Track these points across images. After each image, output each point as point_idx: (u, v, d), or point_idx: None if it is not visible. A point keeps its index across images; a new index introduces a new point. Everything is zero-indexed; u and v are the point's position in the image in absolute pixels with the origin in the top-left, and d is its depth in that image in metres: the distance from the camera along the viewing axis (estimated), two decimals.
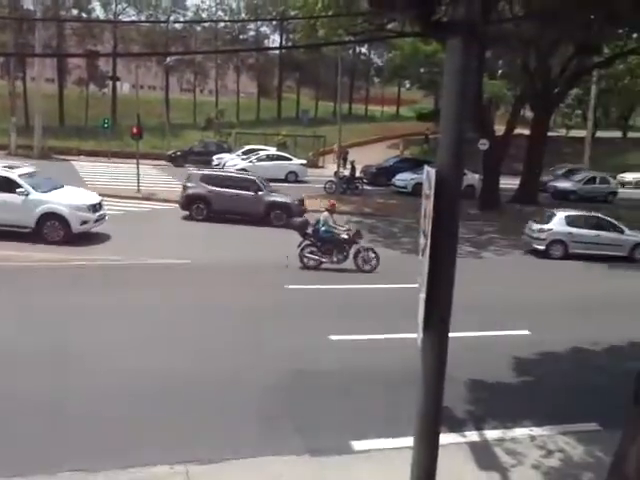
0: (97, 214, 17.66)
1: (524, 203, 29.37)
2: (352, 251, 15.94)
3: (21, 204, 16.53)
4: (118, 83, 58.42)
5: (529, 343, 11.01)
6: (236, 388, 8.53)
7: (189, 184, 22.09)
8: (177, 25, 65.57)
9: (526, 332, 11.63)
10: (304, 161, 37.43)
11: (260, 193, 21.75)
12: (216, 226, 20.84)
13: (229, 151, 41.06)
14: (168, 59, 52.02)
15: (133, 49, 59.08)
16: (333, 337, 10.64)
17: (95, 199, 18.15)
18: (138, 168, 26.81)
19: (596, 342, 11.16)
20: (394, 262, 16.60)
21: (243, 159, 36.09)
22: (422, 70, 49.03)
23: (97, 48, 57.61)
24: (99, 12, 61.85)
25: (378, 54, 75.95)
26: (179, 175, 34.63)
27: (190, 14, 68.30)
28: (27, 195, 16.60)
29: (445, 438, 7.19)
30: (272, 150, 39.01)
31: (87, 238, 17.36)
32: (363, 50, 75.66)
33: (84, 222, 17.12)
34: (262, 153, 36.74)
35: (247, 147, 40.24)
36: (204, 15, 68.79)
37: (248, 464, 6.77)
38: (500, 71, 49.80)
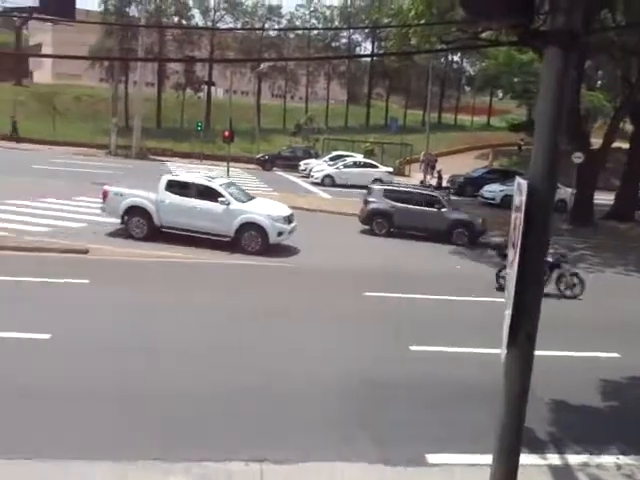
0: (290, 226, 17.71)
1: (620, 220, 28.04)
2: (554, 275, 15.00)
3: (222, 213, 16.82)
4: (213, 88, 60.44)
5: (619, 366, 10.49)
6: (310, 394, 8.60)
7: (371, 199, 21.89)
8: (271, 32, 67.11)
9: (616, 355, 11.09)
10: (390, 169, 37.34)
11: (443, 210, 21.30)
12: (399, 242, 20.87)
13: (316, 157, 41.60)
14: (261, 66, 53.33)
15: (229, 55, 61.00)
16: (414, 347, 10.54)
17: (287, 211, 18.21)
18: (228, 170, 27.64)
19: None
20: (479, 275, 16.27)
21: (330, 165, 36.44)
22: (516, 79, 47.75)
23: (195, 54, 59.83)
24: (198, 19, 64.23)
25: (470, 62, 74.73)
26: (266, 178, 35.50)
27: (284, 22, 69.82)
28: (228, 205, 16.87)
29: (525, 459, 6.96)
30: (359, 157, 39.17)
31: (279, 249, 17.56)
32: (455, 58, 74.72)
33: (280, 233, 17.24)
34: (349, 160, 36.97)
35: (334, 153, 40.61)
36: (298, 23, 70.13)
37: (321, 468, 6.80)
38: (599, 82, 47.77)
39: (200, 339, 10.19)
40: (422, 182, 30.90)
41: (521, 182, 3.42)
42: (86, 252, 15.35)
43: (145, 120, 45.96)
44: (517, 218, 3.41)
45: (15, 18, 58.29)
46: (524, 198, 3.28)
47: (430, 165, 43.88)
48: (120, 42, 53.02)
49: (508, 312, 3.43)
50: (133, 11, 55.68)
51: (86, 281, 12.82)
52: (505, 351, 3.53)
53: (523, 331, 3.41)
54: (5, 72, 73.00)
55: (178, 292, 12.78)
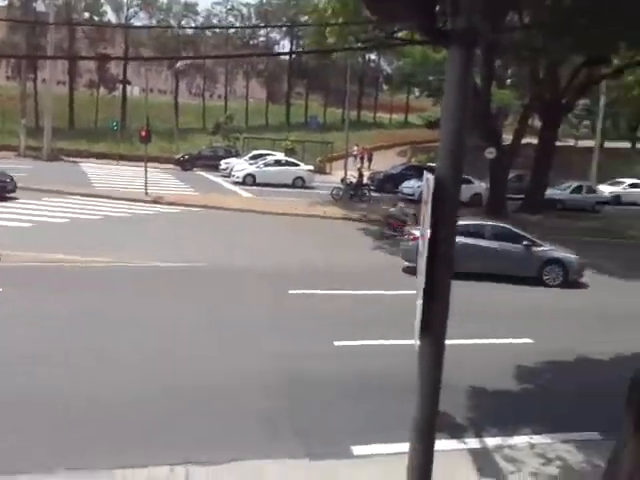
0: None
1: (530, 212, 29.29)
2: None
3: None
4: (128, 86, 58.75)
5: (532, 351, 11.00)
6: (237, 391, 8.58)
7: None
8: (188, 30, 66.01)
9: (529, 340, 11.62)
10: (311, 167, 37.53)
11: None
12: None
13: (237, 156, 41.30)
14: (178, 63, 52.45)
15: (144, 53, 59.56)
16: (337, 343, 10.67)
17: None
18: (146, 171, 26.96)
19: (601, 352, 11.13)
20: (400, 269, 16.63)
21: (251, 164, 36.26)
22: (431, 78, 49.08)
23: (108, 51, 58.06)
24: (110, 16, 62.27)
25: (387, 61, 76.07)
26: (186, 179, 34.89)
27: (201, 19, 68.82)
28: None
29: (445, 444, 7.27)
30: (280, 155, 39.16)
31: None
32: (372, 57, 75.88)
33: None
34: (270, 158, 36.87)
35: (255, 152, 40.41)
36: (215, 20, 69.32)
37: (247, 467, 6.80)
38: (509, 80, 49.77)
39: (124, 342, 9.96)
40: (343, 179, 31.15)
41: (429, 177, 3.55)
42: None
43: (57, 120, 44.18)
44: (426, 211, 3.53)
45: None
46: (431, 192, 3.40)
47: (368, 158, 45.25)
48: (27, 38, 50.66)
49: (419, 302, 3.55)
50: (40, 6, 53.33)
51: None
52: (418, 340, 3.65)
53: (434, 319, 3.54)
54: None
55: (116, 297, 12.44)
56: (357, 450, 7.31)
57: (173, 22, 64.56)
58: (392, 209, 22.62)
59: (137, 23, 61.83)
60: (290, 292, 13.74)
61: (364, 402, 8.49)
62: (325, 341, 10.67)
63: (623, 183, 39.68)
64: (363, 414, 8.15)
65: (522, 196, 31.27)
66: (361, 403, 8.46)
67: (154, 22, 63.18)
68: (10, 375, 8.35)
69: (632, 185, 39.51)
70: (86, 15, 59.14)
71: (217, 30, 68.91)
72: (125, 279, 14.32)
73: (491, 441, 7.76)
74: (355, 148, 46.57)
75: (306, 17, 32.76)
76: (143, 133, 26.98)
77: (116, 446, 6.99)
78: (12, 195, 23.53)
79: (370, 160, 46.16)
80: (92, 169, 35.85)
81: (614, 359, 10.84)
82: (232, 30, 69.20)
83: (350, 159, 37.60)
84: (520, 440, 7.83)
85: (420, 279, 3.54)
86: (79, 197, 25.32)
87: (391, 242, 20.93)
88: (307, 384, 8.92)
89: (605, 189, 37.42)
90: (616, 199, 36.77)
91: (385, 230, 21.88)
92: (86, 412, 7.68)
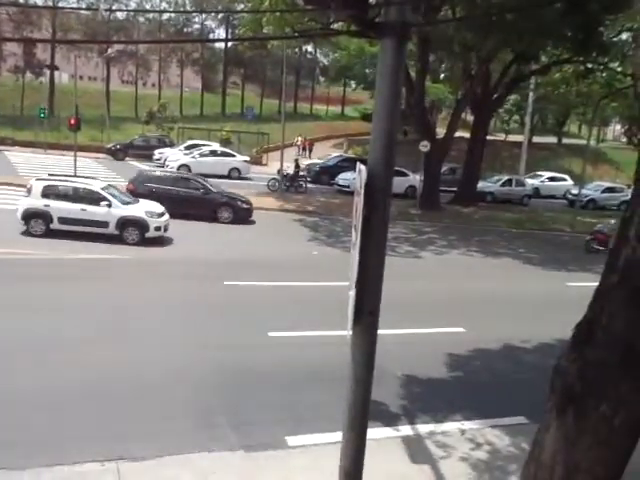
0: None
1: (463, 204, 30.06)
2: None
3: None
4: (56, 72, 56.55)
5: (463, 340, 11.30)
6: (171, 384, 8.45)
7: None
8: (119, 15, 64.04)
9: (461, 329, 11.93)
10: (247, 158, 37.21)
11: None
12: None
13: (171, 146, 40.51)
14: (109, 50, 50.85)
15: (73, 38, 57.46)
16: (272, 334, 10.66)
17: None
18: (75, 160, 26.09)
19: (527, 340, 11.54)
20: (335, 260, 16.73)
21: (185, 154, 35.61)
22: (367, 70, 49.49)
23: (35, 35, 55.73)
24: None
25: (324, 53, 76.18)
26: (118, 169, 33.95)
27: (133, 4, 66.86)
28: None
29: (379, 432, 7.41)
30: (215, 146, 38.64)
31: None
32: (309, 49, 75.82)
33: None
34: (205, 149, 36.30)
35: (190, 142, 39.73)
36: (148, 6, 67.53)
37: (181, 460, 6.72)
38: (443, 74, 50.78)
39: (60, 333, 9.63)
40: (279, 171, 30.99)
41: (361, 167, 3.57)
42: None
43: None
44: (358, 202, 3.55)
45: None
46: (364, 182, 3.42)
47: (309, 148, 45.92)
48: None
49: (352, 292, 3.57)
50: None
51: None
52: (351, 330, 3.68)
53: (366, 309, 3.57)
54: None
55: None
56: (291, 441, 7.34)
57: (104, 6, 62.44)
58: (599, 225, 23.87)
59: (65, 6, 59.37)
60: (226, 283, 13.64)
61: (298, 392, 8.52)
62: (260, 332, 10.64)
63: (542, 176, 41.32)
64: (297, 404, 8.18)
65: (455, 188, 32.08)
66: (295, 393, 8.49)
67: (83, 6, 60.98)
68: None
69: (550, 178, 41.22)
70: None
71: (150, 16, 67.20)
72: (44, 271, 13.84)
73: (423, 428, 7.94)
74: (299, 139, 47.10)
75: (242, 6, 32.35)
76: (72, 121, 26.04)
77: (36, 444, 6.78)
78: None
79: (311, 151, 46.98)
80: (18, 158, 34.38)
81: None
82: (166, 17, 67.71)
83: (288, 150, 37.45)
84: (451, 426, 8.06)
85: (353, 268, 3.56)
86: (5, 186, 24.25)
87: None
88: (241, 375, 8.88)
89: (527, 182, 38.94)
90: (535, 191, 38.24)
91: (593, 245, 22.78)
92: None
